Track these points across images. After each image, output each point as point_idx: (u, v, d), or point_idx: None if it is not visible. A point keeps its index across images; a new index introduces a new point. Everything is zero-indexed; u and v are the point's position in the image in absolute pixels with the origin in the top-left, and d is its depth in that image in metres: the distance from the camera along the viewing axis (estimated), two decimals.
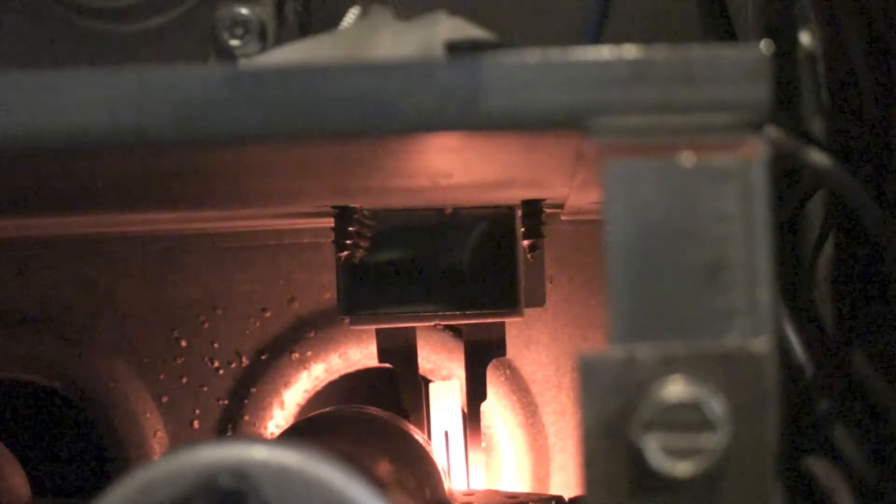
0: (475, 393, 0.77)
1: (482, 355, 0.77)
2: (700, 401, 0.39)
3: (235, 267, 0.87)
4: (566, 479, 0.88)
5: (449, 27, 0.42)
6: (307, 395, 0.88)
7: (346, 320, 0.74)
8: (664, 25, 0.72)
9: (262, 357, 0.88)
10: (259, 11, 0.53)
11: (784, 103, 0.56)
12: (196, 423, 0.88)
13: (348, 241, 0.70)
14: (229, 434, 0.87)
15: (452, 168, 0.53)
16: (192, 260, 0.87)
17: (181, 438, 0.87)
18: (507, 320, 0.75)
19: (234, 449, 0.41)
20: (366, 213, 0.70)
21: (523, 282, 0.74)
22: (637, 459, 0.39)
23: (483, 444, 0.82)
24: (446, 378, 0.85)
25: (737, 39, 0.60)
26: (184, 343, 0.87)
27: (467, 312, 0.73)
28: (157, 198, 0.61)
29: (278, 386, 0.88)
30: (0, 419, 0.90)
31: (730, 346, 0.39)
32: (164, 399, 0.88)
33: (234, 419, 0.88)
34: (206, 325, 0.87)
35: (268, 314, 0.88)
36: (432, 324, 0.82)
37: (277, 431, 0.87)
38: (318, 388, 0.88)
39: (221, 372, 0.88)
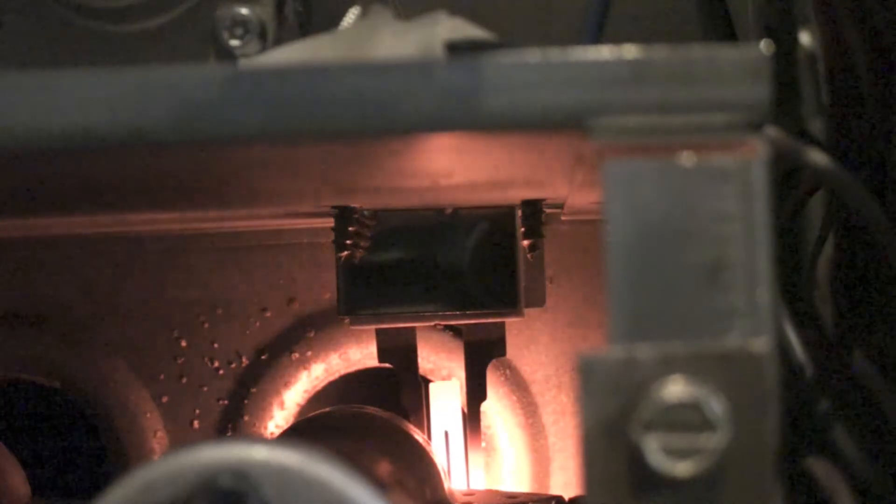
0: (475, 393, 0.77)
1: (482, 355, 0.77)
2: (700, 401, 0.39)
3: (235, 267, 0.87)
4: (566, 479, 0.88)
5: (449, 27, 0.42)
6: (307, 395, 0.88)
7: (346, 320, 0.74)
8: (664, 25, 0.72)
9: (262, 357, 0.88)
10: (259, 11, 0.53)
11: (784, 103, 0.56)
12: (196, 423, 0.88)
13: (348, 241, 0.70)
14: (229, 434, 0.87)
15: (452, 168, 0.53)
16: (192, 260, 0.87)
17: (181, 438, 0.87)
18: (507, 320, 0.75)
19: (234, 449, 0.41)
20: (366, 213, 0.70)
21: (523, 282, 0.74)
22: (637, 459, 0.39)
23: (483, 444, 0.82)
24: (446, 378, 0.85)
25: (737, 39, 0.60)
26: (184, 343, 0.87)
27: (467, 312, 0.73)
28: (157, 198, 0.61)
29: (278, 386, 0.88)
30: (0, 419, 0.90)
31: (730, 346, 0.39)
32: (164, 399, 0.87)
33: (234, 419, 0.88)
34: (206, 325, 0.87)
35: (268, 314, 0.88)
36: (432, 324, 0.82)
37: (277, 431, 0.87)
38: (318, 388, 0.88)
39: (221, 372, 0.88)
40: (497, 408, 0.87)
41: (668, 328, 0.40)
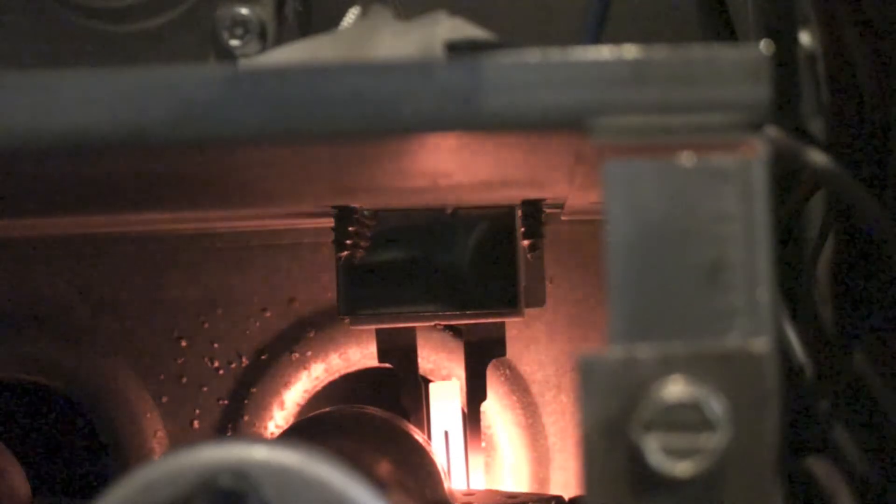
0: (475, 393, 0.77)
1: (482, 355, 0.77)
2: (700, 401, 0.39)
3: (235, 267, 0.87)
4: (566, 479, 0.88)
5: (449, 27, 0.42)
6: (307, 395, 0.88)
7: (346, 320, 0.75)
8: (664, 25, 0.72)
9: (262, 357, 0.88)
10: (259, 11, 0.53)
11: (784, 103, 0.56)
12: (196, 423, 0.88)
13: (348, 241, 0.70)
14: (229, 434, 0.87)
15: (452, 168, 0.53)
16: (192, 260, 0.87)
17: (181, 438, 0.87)
18: (507, 320, 0.75)
19: (234, 449, 0.41)
20: (366, 213, 0.70)
21: (523, 282, 0.74)
22: (637, 459, 0.39)
23: (483, 444, 0.82)
24: (446, 378, 0.85)
25: (737, 39, 0.60)
26: (184, 343, 0.87)
27: (467, 312, 0.73)
28: (157, 198, 0.61)
29: (278, 386, 0.88)
30: (0, 419, 0.90)
31: (730, 346, 0.39)
32: (164, 399, 0.88)
33: (234, 419, 0.88)
34: (206, 325, 0.87)
35: (268, 314, 0.88)
36: (432, 324, 0.82)
37: (277, 431, 0.87)
38: (318, 388, 0.88)
39: (221, 372, 0.88)
40: (497, 408, 0.87)
41: (668, 328, 0.40)
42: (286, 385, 0.88)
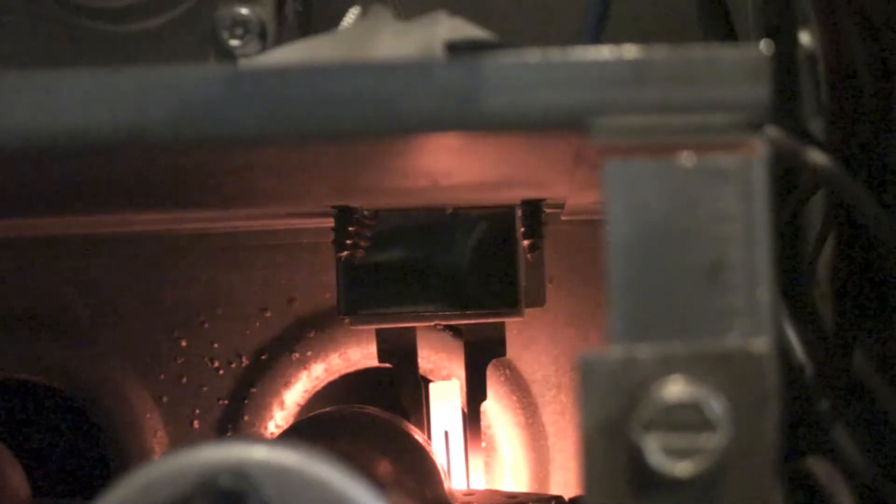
0: (475, 393, 0.77)
1: (482, 355, 0.77)
2: (700, 401, 0.39)
3: (235, 267, 0.87)
4: (566, 479, 0.88)
5: (449, 27, 0.42)
6: (307, 395, 0.88)
7: (346, 320, 0.74)
8: (664, 25, 0.72)
9: (262, 357, 0.88)
10: (259, 11, 0.53)
11: (784, 103, 0.56)
12: (196, 423, 0.88)
13: (348, 241, 0.70)
14: (229, 434, 0.87)
15: (452, 168, 0.53)
16: (192, 260, 0.87)
17: (181, 438, 0.87)
18: (507, 320, 0.75)
19: (234, 449, 0.41)
20: (366, 213, 0.70)
21: (523, 282, 0.73)
22: (637, 459, 0.39)
23: (483, 444, 0.82)
24: (446, 378, 0.85)
25: (737, 39, 0.60)
26: (184, 343, 0.87)
27: (467, 312, 0.73)
28: (157, 198, 0.61)
29: (278, 386, 0.88)
30: (0, 419, 0.90)
31: (730, 346, 0.39)
32: (164, 399, 0.87)
33: (234, 419, 0.88)
34: (206, 325, 0.87)
35: (268, 314, 0.88)
36: (432, 324, 0.82)
37: (277, 431, 0.87)
38: (318, 388, 0.88)
39: (221, 372, 0.88)
40: (497, 408, 0.87)
41: (668, 328, 0.40)
42: (286, 385, 0.88)
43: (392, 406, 0.74)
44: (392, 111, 0.40)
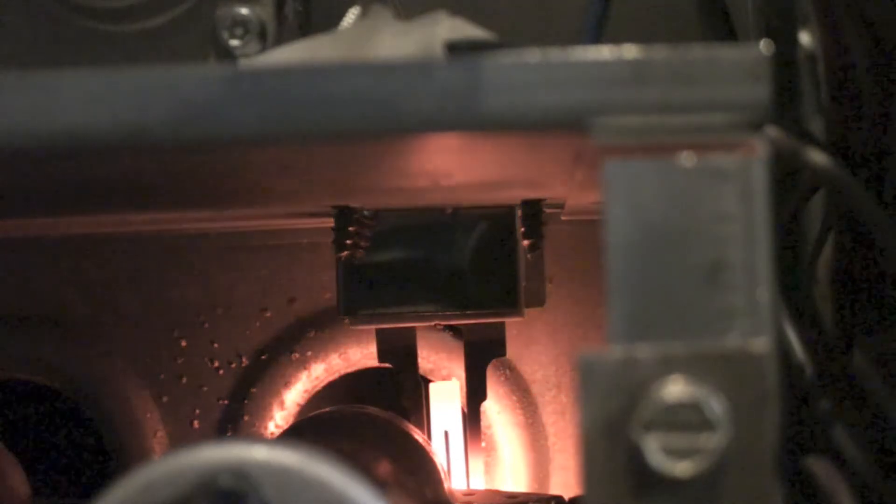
0: (475, 393, 0.77)
1: (482, 355, 0.77)
2: (700, 401, 0.39)
3: (235, 267, 0.87)
4: (566, 479, 0.88)
5: (449, 27, 0.42)
6: (307, 395, 0.88)
7: (346, 320, 0.74)
8: (664, 25, 0.72)
9: (262, 357, 0.88)
10: (259, 11, 0.53)
11: (784, 103, 0.56)
12: (196, 423, 0.88)
13: (348, 241, 0.70)
14: (229, 434, 0.87)
15: (452, 168, 0.53)
16: (192, 260, 0.87)
17: (181, 438, 0.87)
18: (507, 320, 0.75)
19: (234, 449, 0.41)
20: (366, 213, 0.70)
21: (523, 282, 0.73)
22: (637, 459, 0.39)
23: (483, 444, 0.82)
24: (446, 378, 0.85)
25: (737, 39, 0.60)
26: (184, 343, 0.87)
27: (467, 312, 0.73)
28: (157, 198, 0.61)
29: (278, 386, 0.88)
30: (0, 419, 0.90)
31: (730, 346, 0.39)
32: (164, 399, 0.87)
33: (234, 419, 0.87)
34: (206, 325, 0.87)
35: (268, 314, 0.88)
36: (432, 324, 0.82)
37: (277, 431, 0.87)
38: (318, 388, 0.88)
39: (221, 372, 0.88)
40: (497, 408, 0.87)
41: (668, 328, 0.40)
42: (286, 385, 0.88)
43: (392, 406, 0.74)
44: (392, 111, 0.40)
